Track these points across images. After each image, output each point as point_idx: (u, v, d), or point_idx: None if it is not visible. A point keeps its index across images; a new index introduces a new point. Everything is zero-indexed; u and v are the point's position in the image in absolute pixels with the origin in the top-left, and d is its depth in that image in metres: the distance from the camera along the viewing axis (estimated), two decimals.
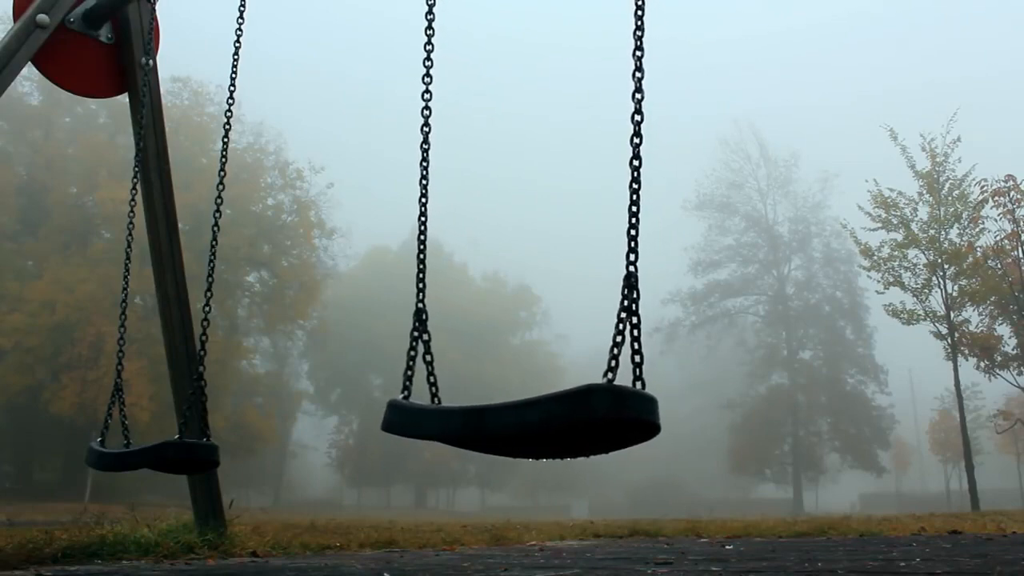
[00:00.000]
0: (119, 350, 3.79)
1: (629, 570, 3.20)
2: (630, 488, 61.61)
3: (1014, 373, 22.18)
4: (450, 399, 2.20)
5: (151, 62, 4.43)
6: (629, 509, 41.65)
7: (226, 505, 4.69)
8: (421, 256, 2.43)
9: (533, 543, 5.90)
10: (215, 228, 3.61)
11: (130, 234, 4.08)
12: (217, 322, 32.00)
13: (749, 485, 54.87)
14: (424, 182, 2.51)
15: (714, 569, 3.16)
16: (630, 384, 1.74)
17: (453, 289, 53.70)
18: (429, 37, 2.59)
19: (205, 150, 35.29)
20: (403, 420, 2.03)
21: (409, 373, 2.16)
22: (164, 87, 4.88)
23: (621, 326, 1.78)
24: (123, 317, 3.88)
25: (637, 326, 1.80)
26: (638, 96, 2.00)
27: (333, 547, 4.98)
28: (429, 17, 2.60)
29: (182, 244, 4.63)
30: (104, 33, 4.40)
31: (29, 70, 4.28)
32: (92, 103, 32.91)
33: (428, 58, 2.57)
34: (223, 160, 3.73)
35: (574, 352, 65.84)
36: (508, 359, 58.94)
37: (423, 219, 2.48)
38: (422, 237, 2.46)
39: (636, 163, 1.96)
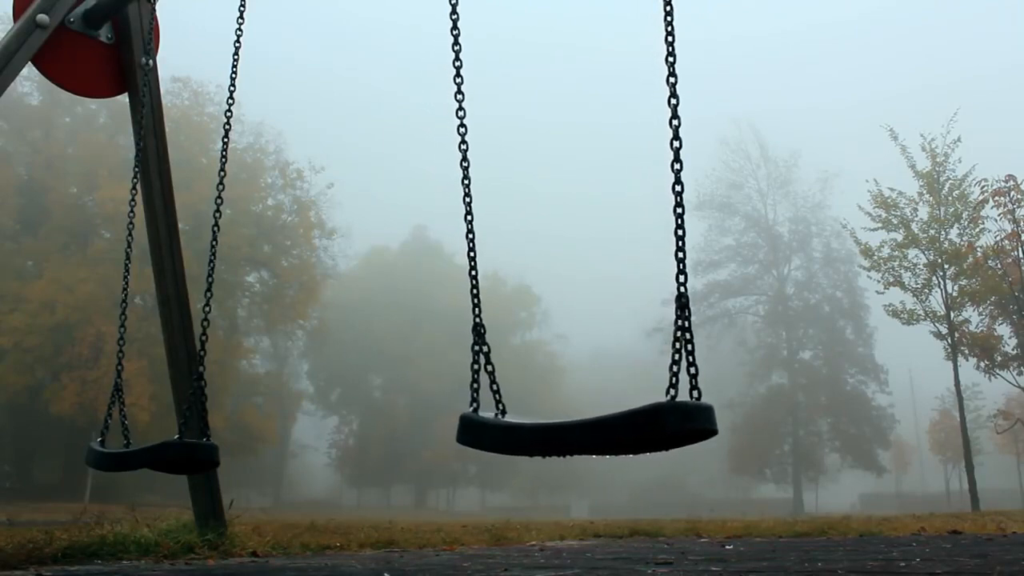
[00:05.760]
0: (119, 350, 3.79)
1: (629, 570, 3.19)
2: (630, 488, 61.57)
3: (1014, 373, 22.19)
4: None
5: (151, 62, 4.43)
6: (629, 509, 41.55)
7: (226, 505, 4.69)
8: (473, 274, 2.44)
9: (533, 543, 5.90)
10: (215, 228, 3.60)
11: (130, 234, 4.08)
12: (217, 322, 31.99)
13: (749, 485, 54.85)
14: (467, 199, 2.48)
15: (714, 569, 3.16)
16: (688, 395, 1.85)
17: (454, 289, 53.70)
18: (457, 53, 2.57)
19: (205, 150, 35.28)
20: (482, 436, 2.16)
21: (475, 386, 2.26)
22: (164, 87, 4.88)
23: (678, 344, 1.89)
24: (123, 317, 3.88)
25: (691, 341, 1.91)
26: (675, 123, 2.04)
27: (333, 547, 4.98)
28: (455, 32, 2.58)
29: (182, 244, 4.63)
30: (104, 33, 4.40)
31: (29, 70, 4.28)
32: (92, 103, 32.91)
33: (458, 75, 2.55)
34: (223, 160, 3.72)
35: (574, 352, 65.91)
36: (508, 359, 58.87)
37: (471, 236, 2.45)
38: (472, 255, 2.44)
39: (678, 188, 2.01)
